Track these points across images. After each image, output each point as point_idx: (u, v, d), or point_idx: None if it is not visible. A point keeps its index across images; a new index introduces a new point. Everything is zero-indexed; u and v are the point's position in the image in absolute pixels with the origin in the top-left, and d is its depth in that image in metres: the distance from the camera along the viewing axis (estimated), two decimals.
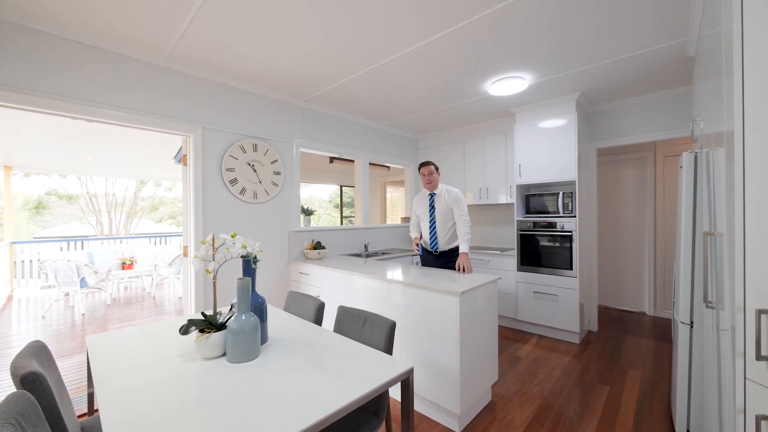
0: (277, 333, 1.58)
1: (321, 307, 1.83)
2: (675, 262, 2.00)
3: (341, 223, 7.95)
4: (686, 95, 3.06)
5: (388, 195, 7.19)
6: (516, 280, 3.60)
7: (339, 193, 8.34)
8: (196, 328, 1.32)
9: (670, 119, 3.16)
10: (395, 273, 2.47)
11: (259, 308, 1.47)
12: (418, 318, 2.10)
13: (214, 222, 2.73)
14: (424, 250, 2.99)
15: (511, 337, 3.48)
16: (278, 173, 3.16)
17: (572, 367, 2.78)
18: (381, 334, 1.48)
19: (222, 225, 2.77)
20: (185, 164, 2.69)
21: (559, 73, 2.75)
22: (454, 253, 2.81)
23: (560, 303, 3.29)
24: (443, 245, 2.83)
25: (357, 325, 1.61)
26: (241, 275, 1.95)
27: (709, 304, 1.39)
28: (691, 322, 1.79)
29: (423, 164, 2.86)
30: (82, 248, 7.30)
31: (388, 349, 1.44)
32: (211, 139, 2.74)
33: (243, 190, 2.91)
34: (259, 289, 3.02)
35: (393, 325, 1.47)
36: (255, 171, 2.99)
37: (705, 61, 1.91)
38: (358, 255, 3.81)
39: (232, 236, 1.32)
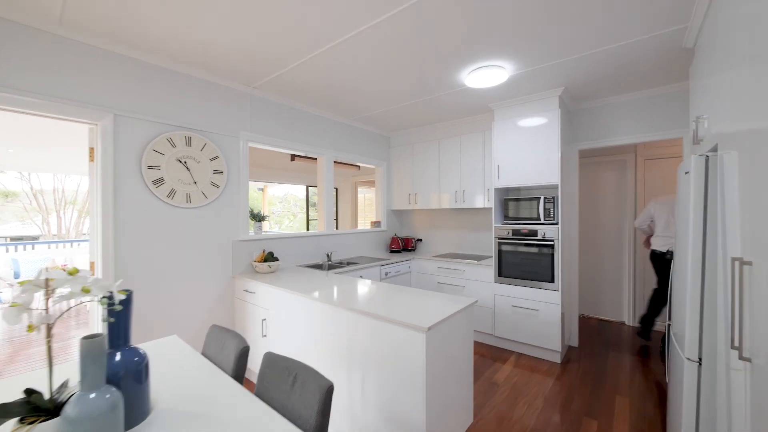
0: (170, 398, 1.12)
1: (244, 353, 1.39)
2: (667, 281, 1.71)
3: (307, 229, 7.42)
4: (677, 93, 2.83)
5: (360, 196, 6.75)
6: (494, 293, 3.28)
7: (308, 193, 7.83)
8: (14, 417, 0.85)
9: (659, 119, 2.92)
10: (352, 294, 2.05)
11: (133, 372, 1.01)
12: (377, 356, 1.70)
13: (131, 231, 2.21)
14: None
15: (488, 355, 3.15)
16: (220, 172, 2.67)
17: (555, 394, 2.48)
18: (313, 401, 1.06)
19: (141, 235, 2.25)
20: (92, 159, 2.15)
21: (544, 62, 2.42)
22: None
23: (541, 318, 3.00)
24: None
25: (285, 383, 1.18)
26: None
27: (741, 355, 1.07)
28: (700, 360, 1.50)
29: None
30: (15, 251, 6.39)
31: (322, 427, 1.02)
32: (127, 130, 2.21)
33: (172, 193, 2.40)
34: (194, 313, 2.52)
35: (329, 390, 1.06)
36: (188, 169, 2.48)
37: (712, 52, 1.61)
38: (320, 266, 3.37)
39: (71, 273, 0.86)
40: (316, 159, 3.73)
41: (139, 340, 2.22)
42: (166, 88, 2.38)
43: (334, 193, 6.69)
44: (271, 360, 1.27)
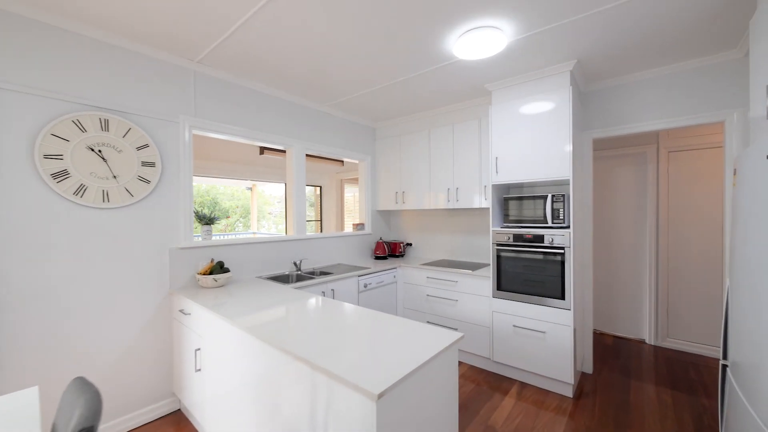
0: None
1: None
2: (727, 296, 1.17)
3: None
4: (718, 66, 2.29)
5: (348, 195, 6.22)
6: (491, 309, 2.75)
7: (315, 192, 7.31)
8: None
9: (693, 100, 2.39)
10: (297, 321, 1.53)
11: None
12: (311, 427, 1.18)
13: (15, 240, 1.71)
14: None
15: (485, 384, 2.63)
16: (150, 164, 2.16)
17: None
18: None
19: (31, 245, 1.75)
20: None
21: (551, 22, 1.90)
22: None
23: (548, 343, 2.47)
24: None
25: None
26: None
27: None
28: None
29: None
30: None
31: None
32: (12, 107, 1.71)
33: (81, 189, 1.90)
34: (110, 344, 2.01)
35: None
36: (105, 160, 1.98)
37: None
38: (286, 277, 2.85)
39: None
40: (285, 151, 3.22)
41: (7, 387, 1.72)
42: (71, 56, 1.88)
43: (318, 192, 6.18)
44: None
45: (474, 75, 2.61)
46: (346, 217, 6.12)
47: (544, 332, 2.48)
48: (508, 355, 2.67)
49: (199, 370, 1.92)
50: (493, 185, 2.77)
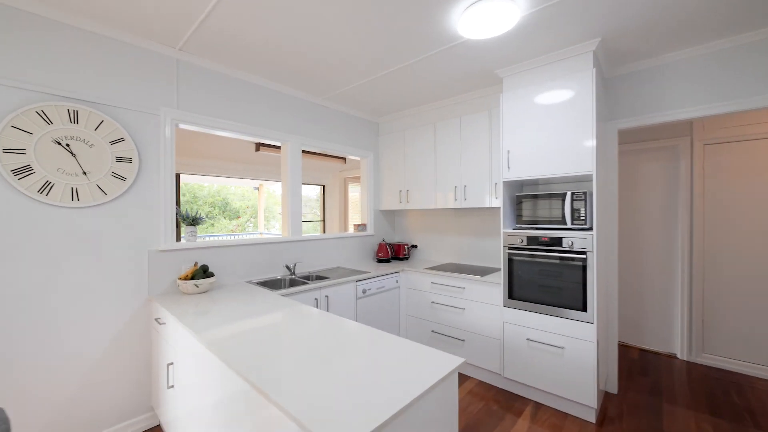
0: None
1: None
2: None
3: (323, 231, 6.56)
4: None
5: (353, 195, 6.00)
6: (502, 320, 2.48)
7: (320, 192, 7.08)
8: None
9: (739, 83, 2.06)
10: (274, 338, 1.31)
11: None
12: None
13: None
14: None
15: (494, 404, 2.36)
16: (126, 160, 1.99)
17: None
18: None
19: None
20: None
21: None
22: None
23: (567, 359, 2.18)
24: None
25: None
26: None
27: None
28: None
29: None
30: None
31: None
32: None
33: (46, 186, 1.74)
34: (78, 359, 1.84)
35: None
36: (73, 155, 1.82)
37: None
38: (279, 282, 2.66)
39: None
40: (280, 147, 3.03)
41: None
42: (34, 41, 1.72)
43: (321, 191, 5.99)
44: None
45: (482, 58, 2.34)
46: (351, 217, 5.90)
47: (562, 348, 2.20)
48: (521, 372, 2.39)
49: (172, 386, 1.74)
50: (504, 182, 2.50)
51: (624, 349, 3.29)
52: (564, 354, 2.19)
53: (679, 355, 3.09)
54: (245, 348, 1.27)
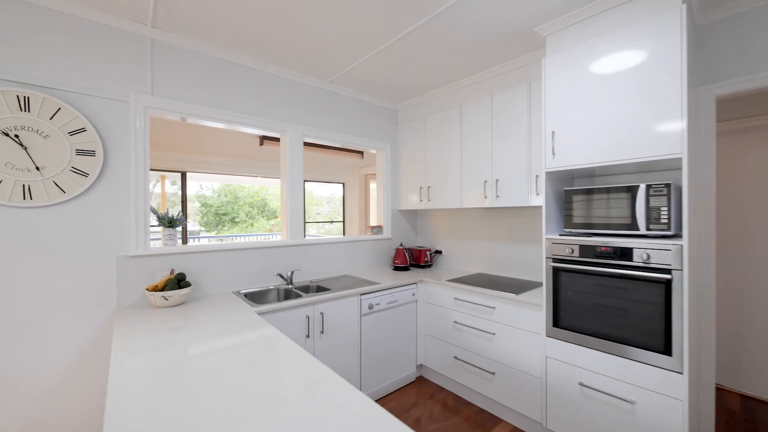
0: None
1: None
2: None
3: (344, 233, 6.21)
4: None
5: (373, 194, 5.55)
6: (544, 353, 1.89)
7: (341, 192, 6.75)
8: None
9: None
10: (211, 395, 0.93)
11: None
12: None
13: None
14: None
15: None
16: (89, 153, 1.75)
17: None
18: None
19: None
20: None
21: None
22: None
23: (641, 419, 1.55)
24: None
25: None
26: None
27: None
28: None
29: None
30: None
31: None
32: None
33: None
34: (29, 383, 1.62)
35: None
36: (24, 147, 1.60)
37: None
38: (270, 293, 2.31)
39: None
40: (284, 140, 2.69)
41: None
42: None
43: (341, 189, 5.62)
44: None
45: (518, 10, 1.78)
46: (373, 217, 5.46)
47: (632, 402, 1.57)
48: (570, 426, 1.79)
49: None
50: (547, 173, 1.91)
51: (719, 393, 2.48)
52: (636, 411, 1.56)
53: None
54: (157, 397, 0.89)
